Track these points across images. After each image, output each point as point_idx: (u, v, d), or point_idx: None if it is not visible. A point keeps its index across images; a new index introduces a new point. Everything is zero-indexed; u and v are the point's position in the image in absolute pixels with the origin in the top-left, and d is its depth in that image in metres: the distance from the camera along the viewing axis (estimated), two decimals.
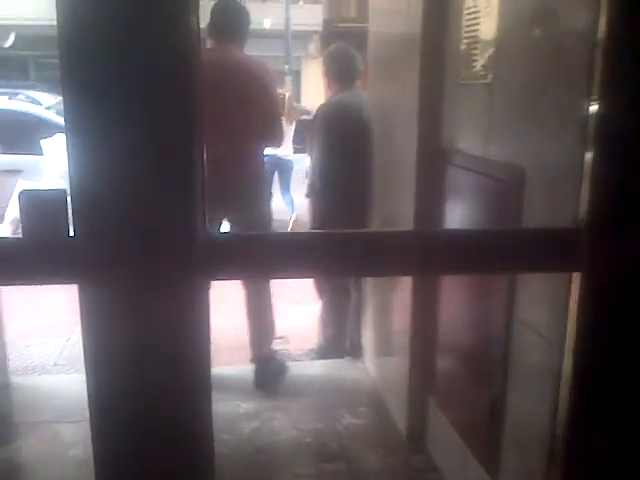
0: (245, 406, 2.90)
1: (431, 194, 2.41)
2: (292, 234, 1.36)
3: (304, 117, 6.14)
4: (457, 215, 2.28)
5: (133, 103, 0.96)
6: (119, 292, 1.04)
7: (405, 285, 2.65)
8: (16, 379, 3.22)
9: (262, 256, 1.13)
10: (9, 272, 1.02)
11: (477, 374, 2.20)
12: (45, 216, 1.01)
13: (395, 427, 2.78)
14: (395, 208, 2.79)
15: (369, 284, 3.36)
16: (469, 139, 2.14)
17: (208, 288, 1.12)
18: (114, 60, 0.92)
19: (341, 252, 1.11)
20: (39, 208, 1.01)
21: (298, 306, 4.29)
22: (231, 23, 3.06)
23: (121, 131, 0.98)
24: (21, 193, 1.00)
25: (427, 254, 1.16)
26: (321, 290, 3.58)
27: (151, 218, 1.02)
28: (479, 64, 1.96)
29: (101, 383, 1.06)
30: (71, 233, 1.00)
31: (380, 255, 1.12)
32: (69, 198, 0.99)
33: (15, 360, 3.54)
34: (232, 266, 1.14)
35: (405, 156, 2.58)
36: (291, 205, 7.14)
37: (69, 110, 0.95)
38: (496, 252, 1.14)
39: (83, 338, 1.04)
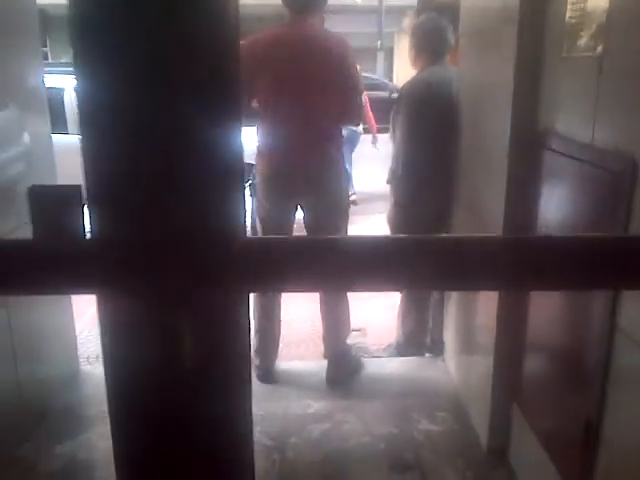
0: (316, 406, 2.75)
1: (525, 183, 2.14)
2: (352, 239, 1.11)
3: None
4: (555, 209, 2.00)
5: (160, 86, 0.78)
6: (144, 303, 0.88)
7: None
8: (85, 368, 3.20)
9: (316, 264, 0.94)
10: (15, 280, 0.89)
11: (570, 385, 1.94)
12: (57, 215, 0.87)
13: (476, 436, 2.55)
14: (483, 199, 2.53)
15: None
16: (571, 121, 1.85)
17: (247, 299, 0.96)
18: (137, 38, 0.75)
19: (414, 261, 0.91)
20: (50, 206, 0.87)
21: (376, 298, 4.09)
22: None
23: (146, 118, 0.81)
24: (30, 189, 0.85)
25: (522, 265, 0.94)
26: None
27: (181, 219, 0.85)
28: (587, 34, 1.68)
29: (123, 413, 0.91)
30: (87, 235, 0.85)
31: (461, 266, 0.92)
32: (85, 195, 0.84)
33: (86, 349, 3.53)
34: (275, 276, 0.96)
35: (497, 140, 2.31)
36: (349, 181, 6.79)
37: (83, 93, 0.79)
38: (607, 263, 0.91)
39: (104, 357, 0.90)
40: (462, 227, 2.90)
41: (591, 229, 1.72)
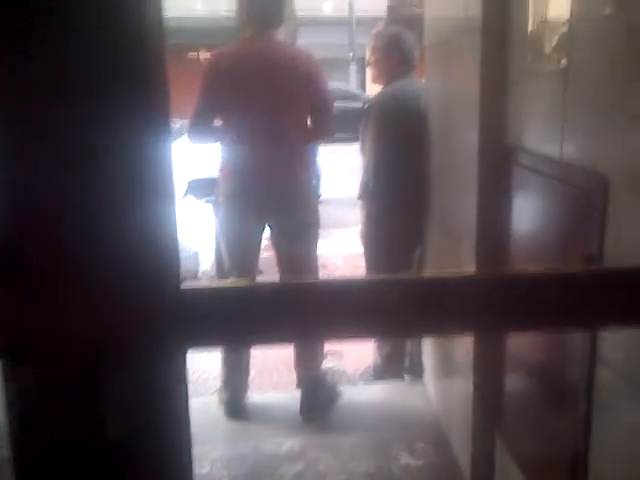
0: (288, 443, 2.58)
1: (495, 200, 2.01)
2: (314, 284, 0.91)
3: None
4: (526, 226, 1.87)
5: (66, 100, 0.63)
6: (58, 366, 0.72)
7: None
8: None
9: (274, 313, 0.79)
10: None
11: (552, 416, 1.80)
12: None
13: (458, 468, 2.40)
14: (455, 215, 2.39)
15: None
16: (539, 136, 1.72)
17: (184, 359, 0.81)
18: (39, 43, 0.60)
19: (378, 305, 0.78)
20: None
21: None
22: (268, 5, 2.71)
23: (51, 134, 0.65)
24: None
25: (501, 306, 0.82)
26: None
27: (101, 260, 0.68)
28: (550, 45, 1.55)
29: None
30: None
31: (439, 309, 0.79)
32: None
33: None
34: (222, 329, 0.81)
35: (466, 155, 2.19)
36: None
37: None
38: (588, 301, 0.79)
39: (10, 435, 0.73)
40: (436, 245, 2.77)
41: (564, 248, 1.59)
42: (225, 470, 2.44)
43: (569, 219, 1.53)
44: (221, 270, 2.89)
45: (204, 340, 0.81)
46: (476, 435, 2.29)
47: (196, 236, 4.99)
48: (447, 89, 2.49)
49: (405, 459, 2.46)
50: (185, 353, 0.79)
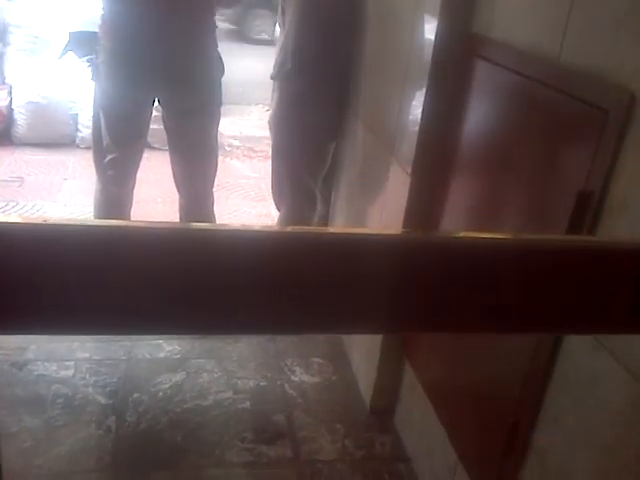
0: (169, 348, 2.27)
1: (450, 101, 1.69)
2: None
3: None
4: (488, 139, 1.57)
5: None
6: None
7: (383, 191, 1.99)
8: None
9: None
10: None
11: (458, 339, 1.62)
12: None
13: (357, 390, 2.21)
14: (387, 112, 2.05)
15: (340, 194, 2.68)
16: (524, 25, 1.39)
17: None
18: None
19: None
20: None
21: (252, 203, 3.60)
22: None
23: None
24: None
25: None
26: (281, 195, 2.87)
27: None
28: None
29: None
30: None
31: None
32: None
33: None
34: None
35: (414, 39, 1.83)
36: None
37: None
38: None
39: None
40: (356, 143, 2.43)
41: (543, 175, 1.31)
42: (92, 375, 2.10)
43: (559, 138, 1.24)
44: (99, 146, 2.39)
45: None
46: (383, 356, 2.09)
47: (77, 97, 4.33)
48: None
49: (299, 375, 2.23)
50: None
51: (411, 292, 0.64)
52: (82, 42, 2.47)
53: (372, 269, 0.61)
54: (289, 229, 0.75)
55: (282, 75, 2.57)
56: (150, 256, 0.58)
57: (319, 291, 0.62)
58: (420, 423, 1.92)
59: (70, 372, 2.12)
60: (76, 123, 4.40)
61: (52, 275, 0.55)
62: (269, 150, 2.90)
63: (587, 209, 1.07)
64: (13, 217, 0.54)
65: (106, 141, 2.33)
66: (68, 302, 0.57)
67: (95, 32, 2.28)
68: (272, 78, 2.64)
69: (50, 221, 0.56)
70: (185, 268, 0.59)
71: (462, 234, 0.74)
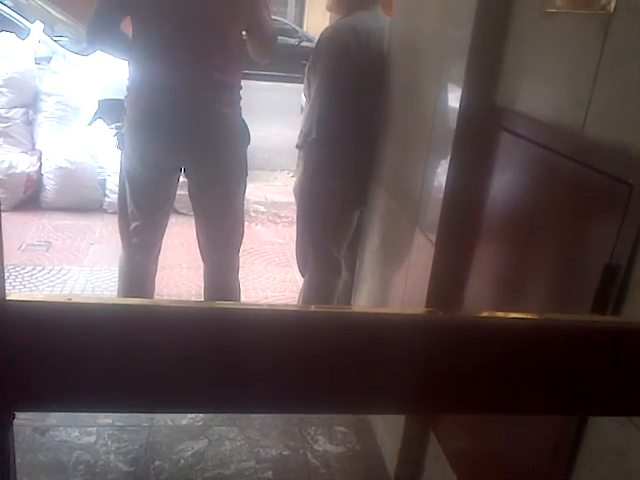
0: (191, 415, 2.25)
1: (473, 171, 1.71)
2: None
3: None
4: (512, 212, 1.58)
5: None
6: None
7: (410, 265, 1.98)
8: None
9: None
10: None
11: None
12: None
13: (381, 460, 2.16)
14: (411, 181, 2.08)
15: (365, 262, 2.69)
16: (549, 100, 1.41)
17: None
18: None
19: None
20: None
21: (277, 269, 3.61)
22: None
23: None
24: None
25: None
26: (305, 262, 2.88)
27: None
28: None
29: None
30: None
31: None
32: None
33: None
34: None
35: (438, 109, 1.86)
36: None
37: None
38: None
39: None
40: (380, 211, 2.46)
41: (569, 249, 1.30)
42: (114, 442, 2.09)
43: (584, 211, 1.24)
44: (124, 213, 2.42)
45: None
46: (408, 425, 2.05)
47: (105, 163, 4.45)
48: (422, 29, 2.13)
49: (323, 445, 2.19)
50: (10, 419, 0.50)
51: (434, 373, 0.64)
52: (111, 110, 2.55)
53: (395, 350, 0.62)
54: (312, 308, 0.76)
55: (307, 144, 2.62)
56: (174, 336, 0.59)
57: (342, 372, 0.62)
58: None
59: (92, 438, 2.11)
60: (104, 188, 4.48)
61: (75, 354, 0.56)
62: (294, 215, 2.94)
63: (613, 283, 1.07)
64: (38, 296, 0.56)
65: (131, 209, 2.37)
66: (90, 381, 0.58)
67: (123, 100, 2.36)
68: (297, 147, 2.69)
69: (74, 300, 0.57)
70: (211, 347, 0.60)
71: (485, 314, 0.74)
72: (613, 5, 1.15)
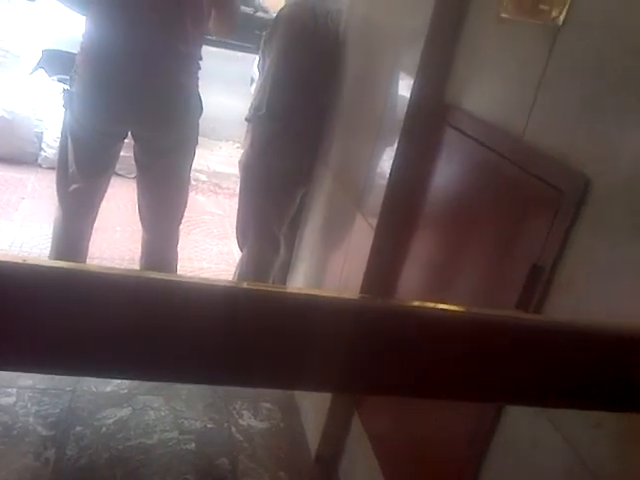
0: (115, 382, 2.23)
1: (417, 163, 1.74)
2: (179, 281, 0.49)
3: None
4: (452, 204, 1.63)
5: None
6: None
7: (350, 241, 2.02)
8: None
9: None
10: None
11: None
12: None
13: (304, 439, 2.20)
14: (356, 169, 2.10)
15: (304, 242, 2.71)
16: (495, 101, 1.46)
17: None
18: None
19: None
20: None
21: (215, 241, 3.59)
22: None
23: None
24: None
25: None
26: (245, 236, 2.87)
27: None
28: None
29: None
30: None
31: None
32: None
33: None
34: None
35: (389, 97, 1.89)
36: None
37: None
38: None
39: None
40: (324, 195, 2.48)
41: (499, 245, 1.36)
42: (34, 405, 2.05)
43: (518, 212, 1.29)
44: (63, 173, 2.35)
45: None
46: (333, 405, 2.09)
47: (44, 115, 4.29)
48: (378, 14, 2.15)
49: (247, 419, 2.21)
50: None
51: (363, 356, 0.67)
52: (55, 61, 2.46)
53: (325, 332, 0.63)
54: (245, 285, 0.77)
55: (257, 119, 2.61)
56: (106, 303, 0.59)
57: (270, 348, 0.63)
58: (364, 476, 1.92)
59: (11, 399, 2.06)
60: (40, 142, 4.33)
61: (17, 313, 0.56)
62: (236, 188, 2.92)
63: (537, 283, 1.12)
64: None
65: (72, 169, 2.30)
66: (11, 339, 0.58)
67: (69, 52, 2.27)
68: (247, 120, 2.68)
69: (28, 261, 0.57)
70: (141, 315, 0.61)
71: (415, 303, 0.77)
72: (562, 19, 1.19)
